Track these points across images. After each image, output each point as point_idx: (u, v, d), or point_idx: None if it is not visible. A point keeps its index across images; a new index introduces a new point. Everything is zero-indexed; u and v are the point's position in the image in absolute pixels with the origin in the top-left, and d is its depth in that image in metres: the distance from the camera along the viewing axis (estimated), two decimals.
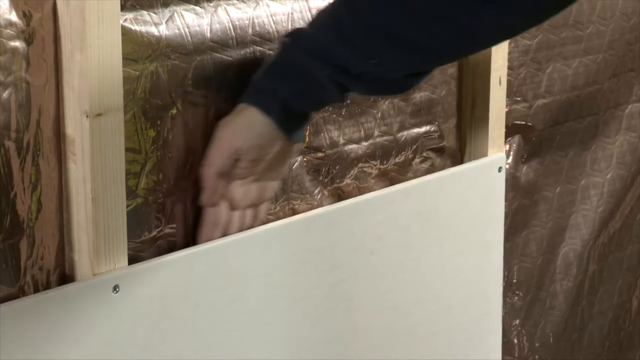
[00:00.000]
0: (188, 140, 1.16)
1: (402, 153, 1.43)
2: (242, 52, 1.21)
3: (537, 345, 1.76)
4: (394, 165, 1.42)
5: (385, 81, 1.14)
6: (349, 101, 1.34)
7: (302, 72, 1.13)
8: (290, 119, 1.16)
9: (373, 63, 1.11)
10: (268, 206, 1.24)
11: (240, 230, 1.20)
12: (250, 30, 1.22)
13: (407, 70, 1.14)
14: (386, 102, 1.39)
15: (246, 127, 1.15)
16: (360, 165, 1.37)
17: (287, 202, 1.29)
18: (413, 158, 1.45)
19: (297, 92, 1.14)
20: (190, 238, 1.18)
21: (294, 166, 1.29)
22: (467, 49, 1.18)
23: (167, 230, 1.16)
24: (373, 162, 1.39)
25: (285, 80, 1.15)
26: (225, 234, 1.19)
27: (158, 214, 1.15)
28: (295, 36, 1.15)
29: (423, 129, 1.45)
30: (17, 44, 1.01)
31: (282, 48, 1.16)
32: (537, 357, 1.76)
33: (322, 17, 1.15)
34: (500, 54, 1.50)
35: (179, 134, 1.16)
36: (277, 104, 1.15)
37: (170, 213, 1.16)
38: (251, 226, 1.21)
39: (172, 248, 1.16)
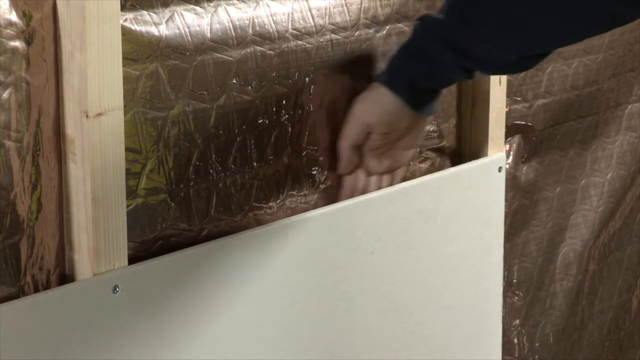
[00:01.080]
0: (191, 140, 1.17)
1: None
2: (242, 52, 1.21)
3: (537, 345, 1.76)
4: None
5: (503, 62, 1.22)
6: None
7: (427, 53, 1.23)
8: (418, 96, 1.27)
9: (490, 46, 1.19)
10: (404, 171, 1.37)
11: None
12: (250, 30, 1.22)
13: (522, 53, 1.21)
14: None
15: (376, 104, 1.27)
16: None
17: (287, 202, 1.29)
18: (412, 158, 1.45)
19: (423, 72, 1.25)
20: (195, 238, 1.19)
21: (294, 166, 1.29)
22: (576, 35, 1.25)
23: (168, 231, 1.16)
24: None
25: (412, 61, 1.25)
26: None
27: (159, 213, 1.15)
28: (424, 20, 1.25)
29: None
30: (17, 43, 1.01)
31: (413, 30, 1.27)
32: (537, 357, 1.76)
33: (447, 2, 1.23)
34: None
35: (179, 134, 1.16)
36: (405, 83, 1.26)
37: (172, 213, 1.16)
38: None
39: (172, 248, 1.16)
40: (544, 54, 1.24)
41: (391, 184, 1.35)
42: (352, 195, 1.32)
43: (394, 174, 1.36)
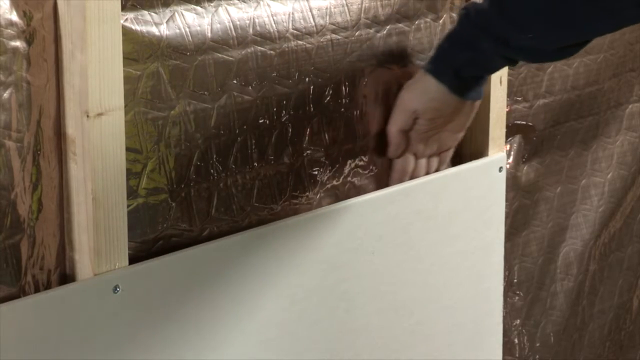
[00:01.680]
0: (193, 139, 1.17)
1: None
2: (243, 52, 1.21)
3: (537, 345, 1.75)
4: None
5: (543, 52, 1.26)
6: (348, 101, 1.34)
7: (470, 42, 1.27)
8: (463, 83, 1.32)
9: (529, 37, 1.22)
10: (451, 153, 1.42)
11: (427, 174, 1.40)
12: (251, 30, 1.22)
13: (560, 43, 1.24)
14: (385, 102, 1.39)
15: (422, 91, 1.33)
16: (359, 165, 1.37)
17: (287, 202, 1.29)
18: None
19: (466, 61, 1.29)
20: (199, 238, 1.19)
21: (295, 166, 1.29)
22: (611, 27, 1.27)
23: (169, 231, 1.16)
24: (372, 161, 1.39)
25: (456, 49, 1.29)
26: (413, 177, 1.39)
27: (159, 213, 1.15)
28: (467, 9, 1.29)
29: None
30: (18, 43, 1.01)
31: (458, 19, 1.31)
32: (537, 357, 1.76)
33: None
34: None
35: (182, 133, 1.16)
36: (449, 71, 1.30)
37: (172, 213, 1.16)
38: (437, 170, 1.41)
39: (173, 248, 1.16)
40: (584, 42, 1.27)
41: (439, 166, 1.42)
42: (402, 178, 1.38)
43: (441, 156, 1.42)
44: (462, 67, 1.30)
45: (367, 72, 1.35)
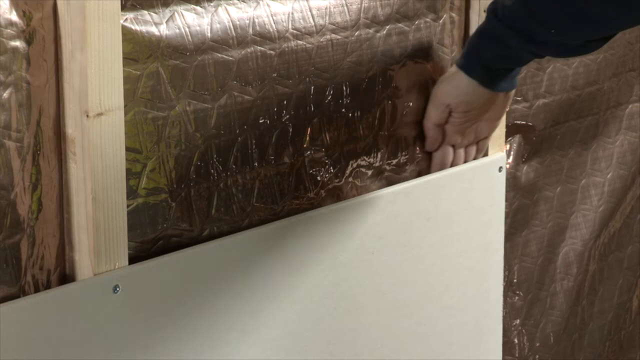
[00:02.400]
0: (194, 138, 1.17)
1: (402, 153, 1.43)
2: (242, 52, 1.21)
3: (537, 345, 1.75)
4: (393, 165, 1.42)
5: (569, 47, 1.28)
6: (348, 101, 1.34)
7: (497, 38, 1.30)
8: (494, 76, 1.35)
9: (555, 32, 1.24)
10: (487, 142, 1.47)
11: (466, 162, 1.46)
12: (250, 30, 1.22)
13: (586, 38, 1.26)
14: (386, 102, 1.39)
15: (454, 86, 1.37)
16: (359, 164, 1.37)
17: (288, 202, 1.29)
18: (412, 158, 1.45)
19: (495, 55, 1.32)
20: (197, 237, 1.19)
21: (296, 166, 1.29)
22: (633, 22, 1.27)
23: (169, 231, 1.16)
24: (373, 161, 1.39)
25: (485, 44, 1.33)
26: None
27: (159, 213, 1.15)
28: (495, 4, 1.30)
29: (423, 129, 1.45)
30: (18, 43, 1.01)
31: (487, 15, 1.33)
32: (537, 356, 1.76)
33: None
34: None
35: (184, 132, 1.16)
36: (479, 66, 1.34)
37: (172, 213, 1.16)
38: (476, 158, 1.47)
39: (173, 248, 1.16)
40: (610, 36, 1.28)
41: (477, 154, 1.47)
42: (442, 169, 1.44)
43: (479, 145, 1.46)
44: (491, 61, 1.34)
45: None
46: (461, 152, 1.45)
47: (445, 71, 1.47)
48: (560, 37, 1.26)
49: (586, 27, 1.24)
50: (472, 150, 1.47)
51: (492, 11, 1.31)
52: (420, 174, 1.45)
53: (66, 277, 1.08)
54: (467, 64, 1.36)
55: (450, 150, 1.44)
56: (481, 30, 1.34)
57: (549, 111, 1.68)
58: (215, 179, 1.20)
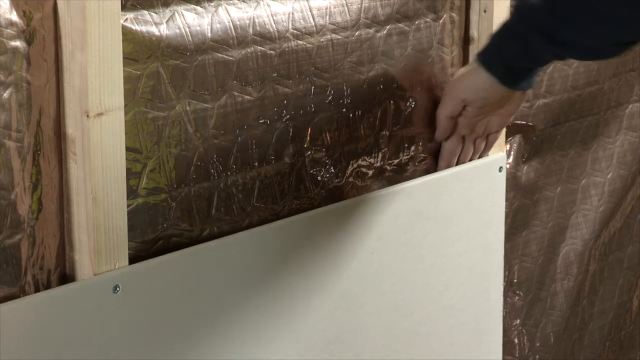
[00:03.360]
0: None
1: (402, 152, 1.43)
2: (243, 52, 1.21)
3: (537, 345, 1.75)
4: (394, 165, 1.42)
5: (592, 49, 1.27)
6: (349, 101, 1.34)
7: (519, 36, 1.29)
8: (513, 75, 1.34)
9: (577, 32, 1.23)
10: (499, 135, 1.48)
11: (475, 154, 1.47)
12: (250, 30, 1.22)
13: (605, 39, 1.24)
14: (387, 102, 1.39)
15: (472, 82, 1.37)
16: (359, 164, 1.37)
17: (288, 202, 1.29)
18: (413, 158, 1.45)
19: (516, 54, 1.31)
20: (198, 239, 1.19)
21: (296, 166, 1.29)
22: None
23: (169, 230, 1.16)
24: (373, 161, 1.39)
25: (507, 42, 1.31)
26: (461, 162, 1.46)
27: (159, 213, 1.15)
28: (519, 2, 1.31)
29: (423, 129, 1.45)
30: (18, 43, 1.01)
31: (510, 12, 1.32)
32: (537, 356, 1.76)
33: None
34: None
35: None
36: (499, 63, 1.33)
37: (173, 213, 1.16)
38: (485, 152, 1.48)
39: (173, 248, 1.16)
40: (633, 42, 1.27)
41: (486, 148, 1.48)
42: (450, 160, 1.45)
43: (489, 139, 1.47)
44: (512, 60, 1.33)
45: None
46: (470, 144, 1.46)
47: (445, 71, 1.47)
48: (580, 37, 1.24)
49: (601, 27, 1.22)
50: (482, 143, 1.47)
51: (515, 9, 1.31)
52: (420, 174, 1.44)
53: (66, 277, 1.08)
54: (488, 61, 1.35)
55: (460, 141, 1.44)
56: (503, 27, 1.33)
57: (549, 111, 1.68)
58: (215, 179, 1.20)
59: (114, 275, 1.07)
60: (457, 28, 1.48)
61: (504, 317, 1.64)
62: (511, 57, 1.32)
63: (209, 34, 1.17)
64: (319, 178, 1.33)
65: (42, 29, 1.03)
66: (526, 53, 1.30)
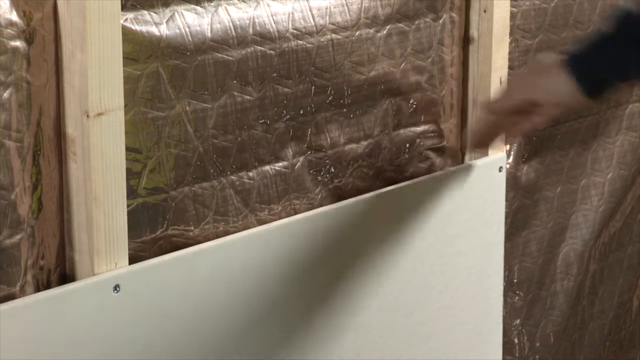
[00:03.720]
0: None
1: (403, 152, 1.43)
2: (242, 52, 1.21)
3: (537, 344, 1.75)
4: (394, 165, 1.42)
5: None
6: (349, 102, 1.34)
7: (615, 48, 1.20)
8: (599, 87, 1.24)
9: None
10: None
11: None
12: (250, 30, 1.22)
13: None
14: (387, 102, 1.39)
15: (554, 86, 1.24)
16: (360, 164, 1.37)
17: (288, 202, 1.29)
18: (413, 158, 1.45)
19: (609, 67, 1.22)
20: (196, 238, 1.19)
21: (296, 166, 1.29)
22: None
23: (169, 230, 1.16)
24: (373, 161, 1.39)
25: (601, 54, 1.22)
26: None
27: (159, 213, 1.15)
28: (618, 12, 1.22)
29: (423, 129, 1.45)
30: (18, 43, 1.01)
31: (611, 22, 1.23)
32: (537, 356, 1.76)
33: None
34: (501, 54, 1.50)
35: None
36: (589, 75, 1.23)
37: (172, 213, 1.16)
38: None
39: (173, 248, 1.16)
40: None
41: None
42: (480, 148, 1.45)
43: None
44: (603, 72, 1.23)
45: None
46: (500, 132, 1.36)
47: (445, 71, 1.47)
48: None
49: None
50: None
51: (614, 19, 1.22)
52: (420, 174, 1.44)
53: (66, 277, 1.08)
54: (577, 70, 1.23)
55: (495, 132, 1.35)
56: (597, 38, 1.24)
57: None
58: (215, 179, 1.20)
59: (114, 275, 1.07)
60: (457, 28, 1.48)
61: (504, 317, 1.64)
62: (603, 69, 1.23)
63: (209, 34, 1.17)
64: (319, 178, 1.33)
65: (42, 29, 1.03)
66: (620, 67, 1.22)
